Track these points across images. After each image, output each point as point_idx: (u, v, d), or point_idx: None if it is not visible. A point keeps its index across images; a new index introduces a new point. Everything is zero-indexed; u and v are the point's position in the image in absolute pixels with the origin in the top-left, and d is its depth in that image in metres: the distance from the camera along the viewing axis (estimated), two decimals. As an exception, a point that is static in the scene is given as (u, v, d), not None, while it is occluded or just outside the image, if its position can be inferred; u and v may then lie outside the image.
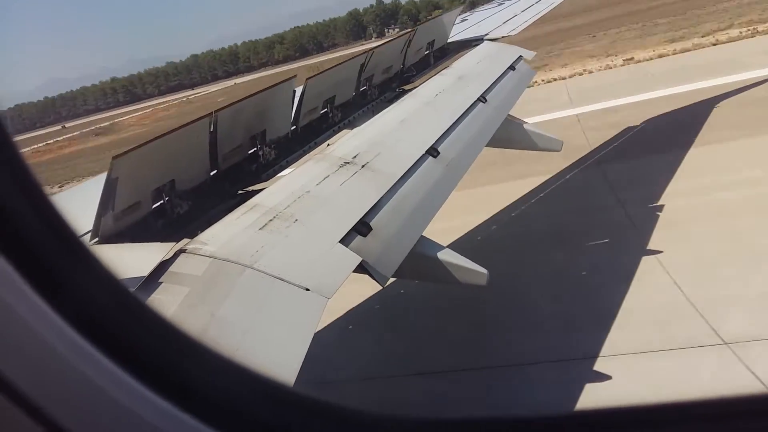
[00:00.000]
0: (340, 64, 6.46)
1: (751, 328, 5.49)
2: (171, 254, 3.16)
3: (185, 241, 3.39)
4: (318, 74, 5.89)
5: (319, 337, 2.94)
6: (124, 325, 0.99)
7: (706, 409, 0.96)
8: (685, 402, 0.93)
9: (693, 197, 8.56)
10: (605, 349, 5.67)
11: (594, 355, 5.59)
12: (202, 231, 3.54)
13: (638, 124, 12.68)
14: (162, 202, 3.89)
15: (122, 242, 3.41)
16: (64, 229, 1.01)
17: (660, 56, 20.16)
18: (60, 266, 0.93)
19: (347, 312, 7.31)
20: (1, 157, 0.91)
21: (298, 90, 5.60)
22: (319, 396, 1.11)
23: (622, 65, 20.70)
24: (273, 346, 2.79)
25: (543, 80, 20.97)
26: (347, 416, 1.13)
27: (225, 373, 1.11)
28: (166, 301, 2.78)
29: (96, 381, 0.83)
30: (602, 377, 5.20)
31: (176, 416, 0.87)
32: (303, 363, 2.56)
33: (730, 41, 19.20)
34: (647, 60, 20.17)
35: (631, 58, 21.11)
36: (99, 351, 0.85)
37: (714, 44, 19.46)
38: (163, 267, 3.05)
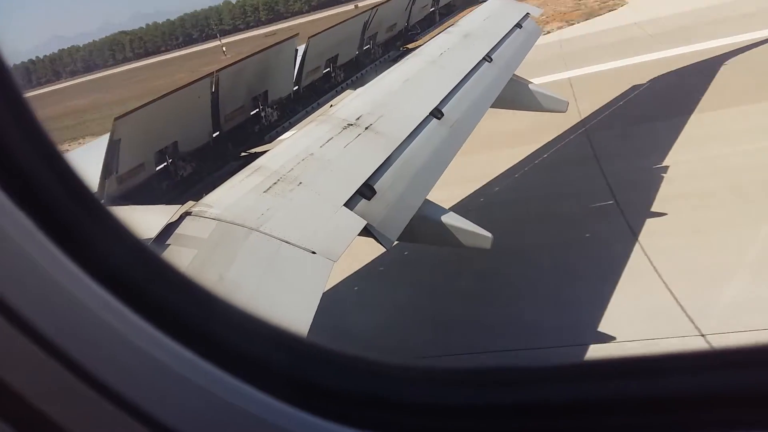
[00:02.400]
0: (342, 21, 6.33)
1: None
2: (177, 217, 3.17)
3: (190, 203, 3.39)
4: (320, 33, 5.78)
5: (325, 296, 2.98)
6: (141, 274, 1.02)
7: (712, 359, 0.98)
8: (689, 353, 0.95)
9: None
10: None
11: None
12: (206, 193, 3.53)
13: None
14: (165, 164, 3.88)
15: (127, 204, 3.41)
16: (82, 188, 1.03)
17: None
18: (79, 220, 0.95)
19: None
20: (13, 112, 0.92)
21: (301, 49, 5.51)
22: (334, 347, 1.14)
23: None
24: (282, 308, 2.83)
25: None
26: (364, 365, 1.16)
27: (240, 322, 1.13)
28: (174, 263, 2.80)
29: (118, 329, 0.86)
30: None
31: (192, 360, 0.91)
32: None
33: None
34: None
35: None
36: (118, 299, 0.88)
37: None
38: (169, 229, 3.06)
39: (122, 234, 1.06)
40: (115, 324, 0.86)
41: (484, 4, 8.81)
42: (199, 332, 0.97)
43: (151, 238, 2.87)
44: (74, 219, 0.94)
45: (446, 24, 8.36)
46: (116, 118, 3.37)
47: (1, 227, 0.81)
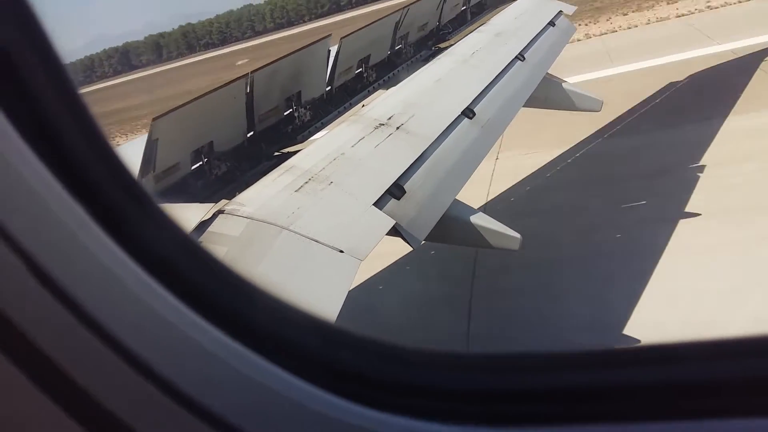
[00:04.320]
0: (374, 22, 6.37)
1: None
2: (210, 215, 3.25)
3: (223, 202, 3.48)
4: (352, 33, 5.83)
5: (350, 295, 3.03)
6: (184, 261, 1.08)
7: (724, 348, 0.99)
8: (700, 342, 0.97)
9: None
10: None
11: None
12: (239, 192, 3.62)
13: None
14: (201, 163, 3.98)
15: (163, 202, 3.52)
16: (127, 176, 1.09)
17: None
18: (124, 208, 1.01)
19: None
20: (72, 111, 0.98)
21: (333, 49, 5.57)
22: (358, 332, 1.18)
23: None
24: (308, 304, 2.88)
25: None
26: (388, 350, 1.19)
27: (268, 305, 1.18)
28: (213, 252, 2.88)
29: (159, 312, 0.92)
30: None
31: (228, 343, 0.95)
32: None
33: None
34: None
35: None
36: (161, 285, 0.93)
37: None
38: (202, 227, 3.15)
39: (165, 222, 1.13)
40: (151, 301, 0.91)
41: (516, 2, 8.74)
42: (224, 308, 1.02)
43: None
44: (125, 210, 1.00)
45: (478, 23, 8.31)
46: (154, 119, 3.48)
47: (57, 216, 0.87)
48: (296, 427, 0.96)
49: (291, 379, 0.96)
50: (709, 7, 18.84)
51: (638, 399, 0.95)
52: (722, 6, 18.46)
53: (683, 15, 18.99)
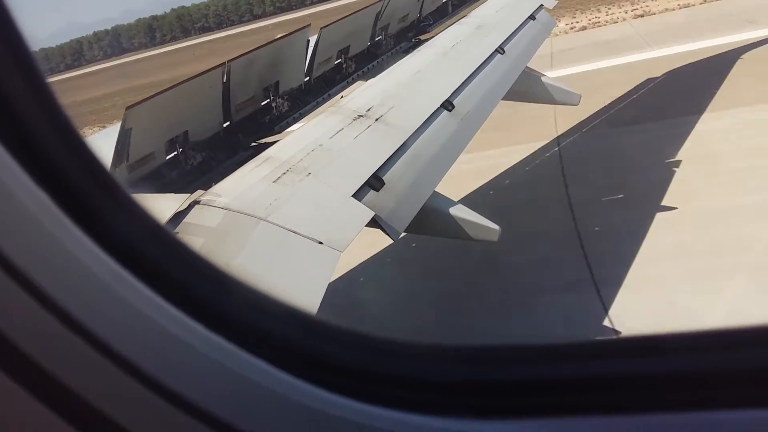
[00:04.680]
0: (355, 12, 6.32)
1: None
2: (185, 205, 3.19)
3: (199, 192, 3.42)
4: (332, 23, 5.77)
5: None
6: (156, 250, 1.05)
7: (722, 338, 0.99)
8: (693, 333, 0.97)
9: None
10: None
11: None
12: (215, 183, 3.56)
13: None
14: (176, 153, 3.91)
15: (137, 192, 3.45)
16: (98, 167, 1.07)
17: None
18: (96, 200, 0.99)
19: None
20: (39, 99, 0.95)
21: (312, 39, 5.51)
22: (340, 324, 1.17)
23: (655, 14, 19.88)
24: (288, 296, 2.85)
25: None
26: (373, 343, 1.19)
27: (250, 298, 1.17)
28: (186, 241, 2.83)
29: (138, 307, 0.90)
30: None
31: (209, 337, 0.95)
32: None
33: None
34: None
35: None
36: (138, 279, 0.91)
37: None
38: (177, 218, 3.09)
39: (140, 214, 1.10)
40: (130, 297, 0.90)
41: (498, -5, 8.74)
42: (204, 302, 1.01)
43: None
44: (95, 200, 0.98)
45: (459, 15, 8.31)
46: (127, 107, 3.40)
47: (28, 210, 0.84)
48: (281, 419, 0.95)
49: (275, 372, 0.95)
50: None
51: (627, 391, 0.95)
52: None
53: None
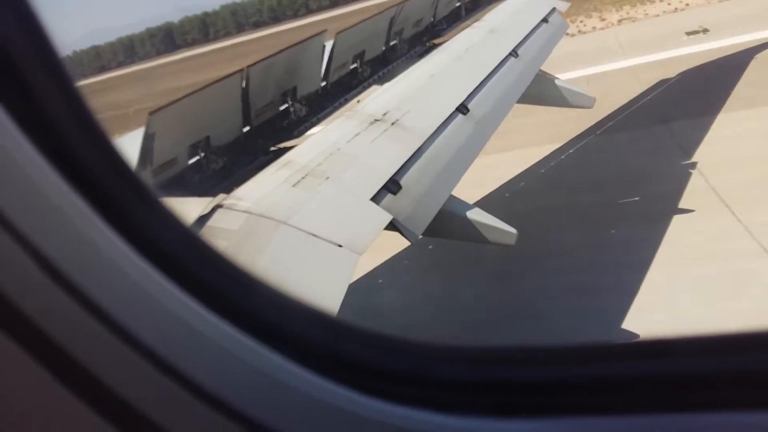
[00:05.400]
0: (370, 17, 6.38)
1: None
2: (208, 209, 3.26)
3: (221, 196, 3.49)
4: (348, 29, 5.84)
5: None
6: (185, 250, 1.09)
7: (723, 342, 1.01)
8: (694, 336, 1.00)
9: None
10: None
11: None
12: (237, 187, 3.62)
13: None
14: (198, 157, 3.99)
15: (161, 197, 3.51)
16: (129, 171, 1.12)
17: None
18: (130, 201, 1.03)
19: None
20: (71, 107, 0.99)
21: (328, 45, 5.58)
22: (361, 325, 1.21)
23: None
24: (308, 298, 2.90)
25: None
26: (396, 344, 1.22)
27: (279, 300, 1.21)
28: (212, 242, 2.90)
29: (162, 302, 0.94)
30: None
31: (235, 335, 0.98)
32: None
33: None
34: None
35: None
36: (168, 279, 0.95)
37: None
38: (201, 221, 3.16)
39: (172, 219, 1.14)
40: (161, 296, 0.93)
41: (511, -2, 8.77)
42: (239, 307, 1.04)
43: None
44: (128, 204, 1.02)
45: (472, 19, 8.34)
46: (151, 113, 3.48)
47: (61, 210, 0.89)
48: (303, 416, 0.98)
49: (297, 370, 0.99)
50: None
51: (633, 392, 0.97)
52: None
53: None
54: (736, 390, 0.92)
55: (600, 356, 1.12)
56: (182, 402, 0.91)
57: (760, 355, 0.96)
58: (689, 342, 1.02)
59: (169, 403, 0.92)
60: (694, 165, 8.21)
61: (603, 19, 21.45)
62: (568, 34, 12.73)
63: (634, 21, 20.04)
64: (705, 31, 15.02)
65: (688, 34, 15.18)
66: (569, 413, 0.97)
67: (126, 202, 1.01)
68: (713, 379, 0.95)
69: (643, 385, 0.97)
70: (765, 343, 0.98)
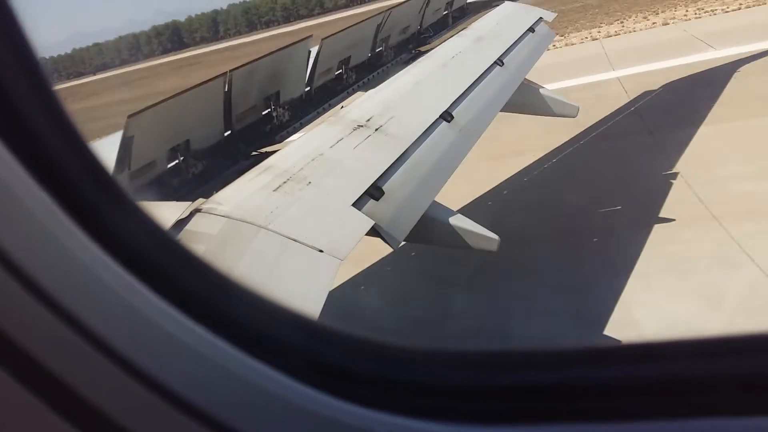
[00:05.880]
0: (356, 24, 6.38)
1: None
2: (187, 213, 3.21)
3: (200, 200, 3.44)
4: (334, 34, 5.83)
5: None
6: (160, 255, 1.07)
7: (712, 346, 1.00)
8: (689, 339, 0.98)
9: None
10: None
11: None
12: (216, 191, 3.58)
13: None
14: (177, 161, 3.93)
15: (138, 200, 3.46)
16: (103, 173, 1.09)
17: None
18: (101, 204, 1.01)
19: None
20: (44, 105, 0.97)
21: (314, 50, 5.56)
22: (342, 328, 1.18)
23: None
24: (289, 303, 2.86)
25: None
26: (374, 347, 1.20)
27: (256, 304, 1.18)
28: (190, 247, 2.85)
29: (143, 311, 0.91)
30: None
31: (213, 341, 0.95)
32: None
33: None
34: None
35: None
36: (143, 284, 0.93)
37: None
38: (179, 226, 3.11)
39: (149, 223, 1.12)
40: (136, 302, 0.91)
41: (498, 7, 8.83)
42: (216, 311, 1.02)
43: None
44: (104, 208, 0.99)
45: (459, 27, 8.38)
46: (129, 116, 3.43)
47: (34, 214, 0.86)
48: (284, 423, 0.96)
49: (278, 377, 0.96)
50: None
51: (629, 397, 0.95)
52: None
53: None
54: (734, 394, 0.90)
55: (592, 360, 1.09)
56: (156, 409, 0.89)
57: (757, 359, 0.94)
58: (683, 345, 1.00)
59: (142, 410, 0.89)
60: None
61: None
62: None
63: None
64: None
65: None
66: (561, 419, 0.94)
67: (102, 207, 0.99)
68: (709, 383, 0.93)
69: (639, 390, 0.95)
70: (763, 345, 0.96)
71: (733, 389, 0.91)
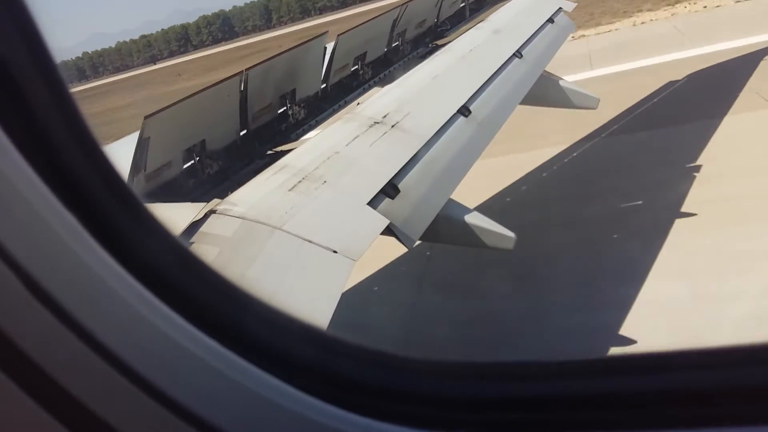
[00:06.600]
0: (372, 18, 6.33)
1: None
2: (202, 215, 3.22)
3: (215, 201, 3.45)
4: (349, 30, 5.79)
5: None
6: (172, 266, 1.06)
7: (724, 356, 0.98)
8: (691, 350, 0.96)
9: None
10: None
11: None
12: (232, 191, 3.59)
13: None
14: (193, 162, 3.95)
15: (154, 202, 3.49)
16: (122, 184, 1.09)
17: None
18: (117, 216, 1.00)
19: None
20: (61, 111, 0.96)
21: (329, 47, 5.53)
22: (352, 339, 1.17)
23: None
24: (301, 305, 2.86)
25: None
26: (383, 359, 1.18)
27: (262, 315, 1.17)
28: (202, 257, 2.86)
29: (151, 320, 0.91)
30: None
31: (219, 351, 0.94)
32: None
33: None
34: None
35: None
36: (152, 293, 0.92)
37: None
38: (194, 227, 3.12)
39: (160, 231, 1.11)
40: (145, 312, 0.90)
41: (516, -1, 8.70)
42: (222, 321, 1.01)
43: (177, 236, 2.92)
44: (114, 215, 0.98)
45: (476, 20, 8.27)
46: (146, 117, 3.44)
47: (44, 219, 0.85)
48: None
49: (284, 387, 0.95)
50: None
51: (630, 408, 0.93)
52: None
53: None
54: (732, 405, 0.89)
55: (595, 372, 1.08)
56: (161, 420, 0.88)
57: (759, 370, 0.92)
58: (684, 356, 0.99)
59: (152, 422, 0.89)
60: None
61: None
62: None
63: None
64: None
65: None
66: (564, 431, 0.93)
67: (114, 215, 0.98)
68: (709, 394, 0.92)
69: (638, 401, 0.94)
70: (763, 357, 0.95)
71: (735, 400, 0.89)
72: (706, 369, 0.95)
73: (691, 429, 0.87)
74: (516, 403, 1.01)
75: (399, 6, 6.74)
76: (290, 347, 1.10)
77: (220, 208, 3.29)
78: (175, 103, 3.69)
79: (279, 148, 4.54)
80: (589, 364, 1.16)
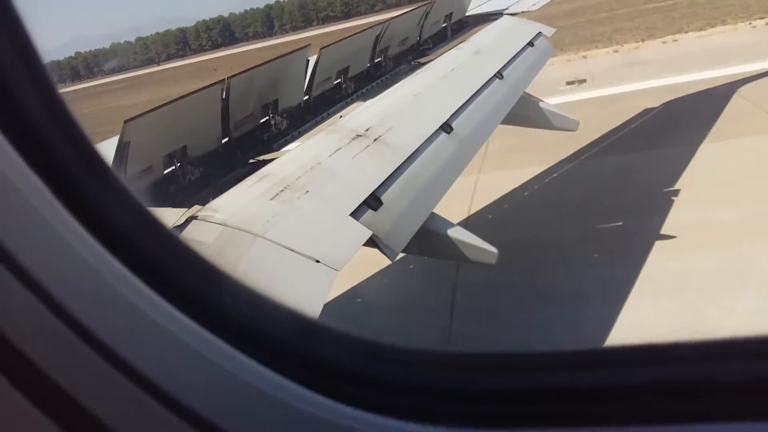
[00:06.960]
0: (355, 34, 6.38)
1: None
2: (182, 220, 3.16)
3: (196, 207, 3.39)
4: (332, 44, 5.82)
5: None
6: (158, 251, 1.06)
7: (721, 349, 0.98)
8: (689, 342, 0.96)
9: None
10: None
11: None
12: (213, 198, 3.53)
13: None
14: (173, 167, 3.89)
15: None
16: (112, 177, 1.09)
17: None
18: (104, 202, 0.99)
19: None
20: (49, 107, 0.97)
21: (312, 59, 5.54)
22: (341, 328, 1.16)
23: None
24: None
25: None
26: (378, 350, 1.17)
27: (256, 305, 1.16)
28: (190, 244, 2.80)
29: (146, 312, 0.90)
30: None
31: (215, 342, 0.94)
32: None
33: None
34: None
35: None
36: (147, 285, 0.91)
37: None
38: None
39: (154, 225, 1.11)
40: (136, 300, 0.90)
41: (497, 21, 8.86)
42: (218, 313, 1.00)
43: None
44: (109, 208, 0.99)
45: (458, 40, 8.40)
46: (126, 121, 3.39)
47: (41, 216, 0.85)
48: (279, 425, 0.94)
49: (275, 378, 0.94)
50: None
51: (629, 401, 0.93)
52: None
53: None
54: (729, 399, 0.89)
55: (593, 363, 1.07)
56: (152, 411, 0.87)
57: (756, 363, 0.92)
58: (681, 348, 0.98)
59: (147, 417, 0.87)
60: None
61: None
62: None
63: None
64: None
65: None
66: (561, 424, 0.92)
67: (107, 208, 0.98)
68: (706, 387, 0.91)
69: (634, 394, 0.93)
70: (761, 350, 0.94)
71: (732, 394, 0.89)
72: (702, 362, 0.95)
73: (685, 423, 0.87)
74: (509, 395, 1.01)
75: (382, 23, 6.81)
76: (278, 335, 1.09)
77: (201, 214, 3.23)
78: (155, 108, 3.64)
79: (261, 157, 4.50)
80: (583, 355, 1.16)
